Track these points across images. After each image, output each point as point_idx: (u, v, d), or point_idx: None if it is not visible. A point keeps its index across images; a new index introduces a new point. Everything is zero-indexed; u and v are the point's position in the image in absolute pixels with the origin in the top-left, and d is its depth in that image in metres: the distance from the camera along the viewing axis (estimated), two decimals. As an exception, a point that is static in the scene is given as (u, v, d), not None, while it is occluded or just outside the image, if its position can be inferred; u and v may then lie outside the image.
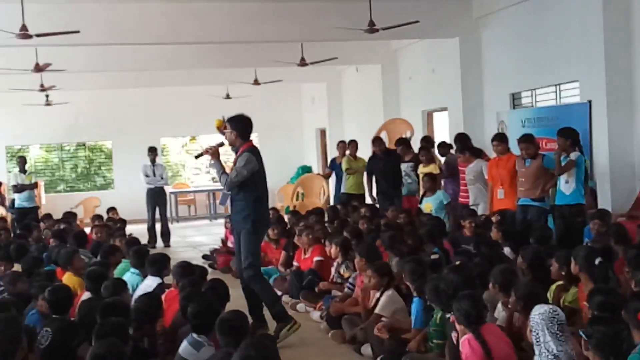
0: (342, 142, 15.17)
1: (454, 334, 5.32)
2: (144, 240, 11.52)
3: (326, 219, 11.74)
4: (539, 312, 4.57)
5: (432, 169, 11.44)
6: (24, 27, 10.59)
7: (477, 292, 5.55)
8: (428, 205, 10.72)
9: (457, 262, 6.79)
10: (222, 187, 7.80)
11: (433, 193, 10.81)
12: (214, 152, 7.45)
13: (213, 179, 23.53)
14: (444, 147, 12.39)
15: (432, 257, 7.60)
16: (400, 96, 17.37)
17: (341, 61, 16.64)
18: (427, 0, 13.46)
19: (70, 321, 5.62)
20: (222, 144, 7.60)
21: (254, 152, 7.45)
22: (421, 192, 11.61)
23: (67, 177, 22.86)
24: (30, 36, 10.63)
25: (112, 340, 4.65)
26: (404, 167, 12.45)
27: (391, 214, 10.86)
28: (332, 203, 15.16)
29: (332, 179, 15.43)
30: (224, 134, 7.63)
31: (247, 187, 7.40)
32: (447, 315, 5.57)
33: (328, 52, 15.33)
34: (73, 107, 20.15)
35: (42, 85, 16.30)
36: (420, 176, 11.59)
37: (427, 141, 12.98)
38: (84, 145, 22.58)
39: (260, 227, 7.62)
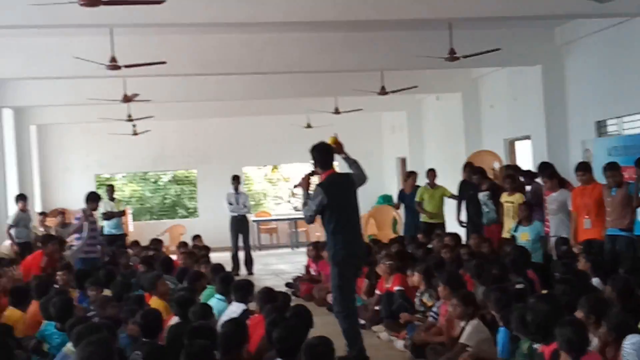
0: (412, 172, 15.09)
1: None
2: (227, 267, 11.67)
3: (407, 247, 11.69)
4: (631, 342, 4.51)
5: (518, 197, 11.20)
6: (113, 59, 10.95)
7: (579, 318, 5.38)
8: (525, 234, 10.25)
9: (544, 292, 6.68)
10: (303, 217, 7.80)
11: (529, 222, 10.34)
12: (303, 182, 7.48)
13: (295, 207, 23.76)
14: (529, 176, 12.17)
15: (517, 286, 7.50)
16: (481, 125, 17.18)
17: (421, 90, 16.57)
18: (508, 27, 13.34)
19: (160, 345, 5.76)
20: (313, 173, 7.53)
21: (327, 183, 7.32)
22: (503, 220, 11.39)
23: (155, 207, 23.50)
24: (119, 67, 10.97)
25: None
26: (481, 196, 12.29)
27: (473, 242, 10.78)
28: (402, 233, 14.97)
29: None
30: (339, 152, 7.63)
31: (323, 219, 7.38)
32: (535, 346, 5.49)
33: (408, 80, 15.32)
34: (159, 136, 20.68)
35: (129, 115, 16.75)
36: (505, 205, 11.36)
37: (514, 169, 12.78)
38: (173, 178, 23.13)
39: (340, 261, 7.34)
